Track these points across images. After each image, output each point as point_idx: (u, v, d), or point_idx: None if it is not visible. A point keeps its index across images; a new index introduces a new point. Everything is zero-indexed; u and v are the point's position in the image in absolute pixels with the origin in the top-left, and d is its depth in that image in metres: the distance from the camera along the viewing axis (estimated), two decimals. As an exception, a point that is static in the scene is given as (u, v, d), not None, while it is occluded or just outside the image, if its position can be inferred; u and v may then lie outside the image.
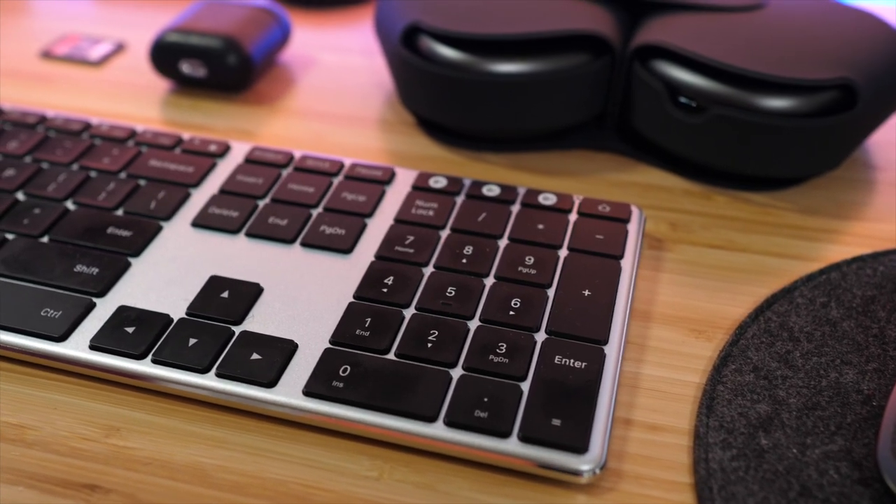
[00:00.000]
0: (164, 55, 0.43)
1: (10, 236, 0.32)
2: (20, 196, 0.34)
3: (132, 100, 0.44)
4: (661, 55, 0.37)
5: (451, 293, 0.30)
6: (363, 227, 0.33)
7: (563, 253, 0.31)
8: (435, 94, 0.38)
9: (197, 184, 0.35)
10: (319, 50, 0.49)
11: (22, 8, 0.54)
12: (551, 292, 0.30)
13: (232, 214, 0.33)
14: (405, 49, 0.38)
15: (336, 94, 0.44)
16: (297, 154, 0.37)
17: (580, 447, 0.24)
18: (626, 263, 0.31)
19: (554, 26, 0.37)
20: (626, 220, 0.33)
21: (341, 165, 0.36)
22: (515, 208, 0.34)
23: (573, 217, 0.33)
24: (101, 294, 0.30)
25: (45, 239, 0.32)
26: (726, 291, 0.32)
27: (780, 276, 0.32)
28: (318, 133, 0.41)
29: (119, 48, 0.48)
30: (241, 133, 0.41)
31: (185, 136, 0.38)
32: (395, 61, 0.39)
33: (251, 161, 0.36)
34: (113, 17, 0.52)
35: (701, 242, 0.34)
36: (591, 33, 0.36)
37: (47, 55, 0.47)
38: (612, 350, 0.28)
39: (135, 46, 0.49)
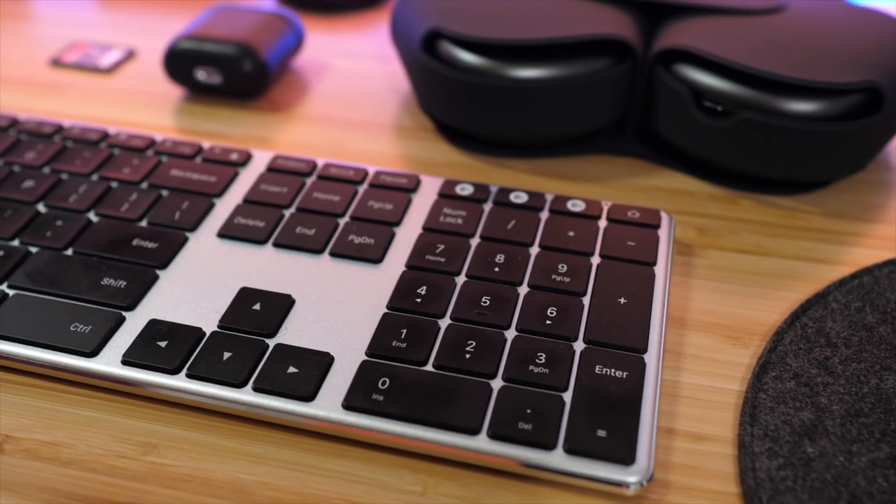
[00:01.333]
0: (179, 62, 0.42)
1: (33, 249, 0.31)
2: (41, 208, 0.34)
3: (145, 108, 0.43)
4: (685, 59, 0.36)
5: (485, 302, 0.29)
6: (392, 236, 0.32)
7: (596, 260, 0.31)
8: (456, 99, 0.38)
9: (220, 193, 0.34)
10: (332, 55, 0.48)
11: (23, 14, 0.53)
12: (586, 300, 0.29)
13: (258, 224, 0.33)
14: (425, 55, 0.38)
15: (351, 99, 0.44)
16: (320, 162, 0.36)
17: (627, 459, 0.24)
18: (660, 270, 0.31)
19: (575, 31, 0.36)
20: (657, 226, 0.33)
21: (365, 173, 0.36)
22: (544, 215, 0.33)
23: (603, 223, 0.33)
24: (131, 307, 0.29)
25: (69, 251, 0.31)
26: (759, 297, 0.31)
27: (811, 280, 0.32)
28: (337, 140, 0.41)
29: (129, 55, 0.48)
30: (259, 140, 0.41)
31: (206, 144, 0.37)
32: (414, 67, 0.39)
33: (273, 170, 0.36)
34: (118, 24, 0.52)
35: (729, 247, 0.34)
36: (614, 38, 0.36)
37: (56, 63, 0.47)
38: (651, 359, 0.27)
39: (145, 53, 0.48)
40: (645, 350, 0.28)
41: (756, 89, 0.35)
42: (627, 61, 0.37)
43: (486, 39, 0.36)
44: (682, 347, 0.29)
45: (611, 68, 0.37)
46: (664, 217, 0.33)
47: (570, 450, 0.24)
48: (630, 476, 0.24)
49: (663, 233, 0.32)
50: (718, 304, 0.31)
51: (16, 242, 0.32)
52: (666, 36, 0.38)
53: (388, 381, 0.26)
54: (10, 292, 0.30)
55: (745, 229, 0.35)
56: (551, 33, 0.36)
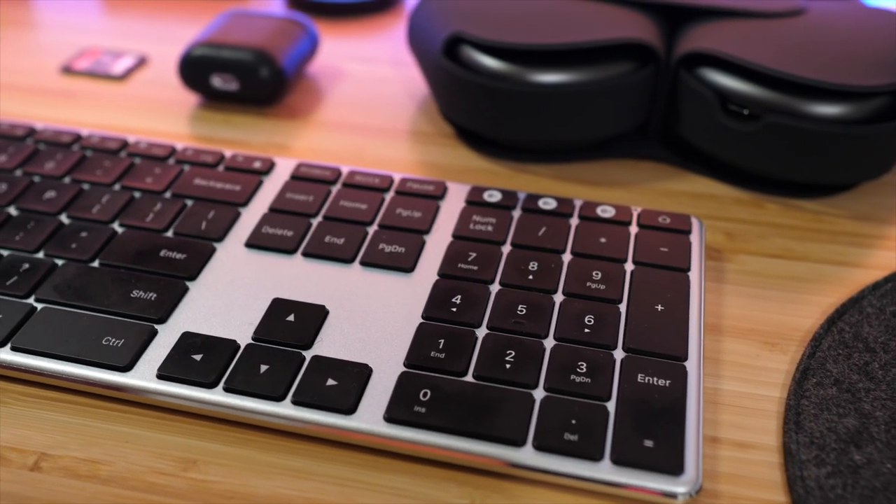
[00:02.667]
0: (195, 69, 0.42)
1: (59, 261, 0.31)
2: (64, 219, 0.33)
3: (161, 115, 0.43)
4: (709, 62, 0.36)
5: (521, 311, 0.29)
6: (422, 245, 0.32)
7: (630, 267, 0.31)
8: (478, 105, 0.37)
9: (245, 203, 0.34)
10: (346, 60, 0.48)
11: (26, 21, 0.52)
12: (623, 308, 0.29)
13: (286, 234, 0.32)
14: (447, 60, 0.38)
15: (368, 105, 0.44)
16: (345, 170, 0.36)
17: (675, 469, 0.24)
18: (694, 276, 0.31)
19: (598, 35, 0.36)
20: (688, 232, 0.33)
21: (391, 180, 0.35)
22: (574, 222, 0.33)
23: (634, 229, 0.33)
24: (162, 320, 0.29)
25: (95, 263, 0.31)
26: (793, 302, 0.31)
27: (843, 284, 0.32)
28: (357, 146, 0.40)
29: (141, 61, 0.47)
30: (279, 148, 0.40)
31: (227, 153, 0.37)
32: (435, 72, 0.39)
33: (298, 178, 0.36)
34: (125, 30, 0.51)
35: (760, 252, 0.34)
36: (637, 42, 0.36)
37: (68, 70, 0.46)
38: (692, 366, 0.27)
39: (156, 59, 0.48)
40: (686, 358, 0.27)
41: (783, 93, 0.34)
42: (651, 65, 0.37)
43: (510, 44, 0.36)
44: (719, 354, 0.29)
45: (634, 72, 0.36)
46: (694, 222, 0.33)
47: (618, 460, 0.24)
48: (680, 486, 0.24)
49: (695, 238, 0.32)
50: (753, 310, 0.31)
51: (41, 255, 0.31)
52: (688, 39, 0.37)
53: (429, 392, 0.26)
54: (38, 306, 0.29)
55: (773, 233, 0.35)
56: (574, 38, 0.36)
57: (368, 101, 0.44)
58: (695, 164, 0.39)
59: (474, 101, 0.37)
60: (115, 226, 0.33)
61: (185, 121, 0.42)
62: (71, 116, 0.42)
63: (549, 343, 0.28)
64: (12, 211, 0.33)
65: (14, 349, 0.28)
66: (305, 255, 0.32)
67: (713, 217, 0.36)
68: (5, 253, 0.31)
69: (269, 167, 0.36)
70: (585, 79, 0.36)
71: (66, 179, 0.35)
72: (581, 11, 0.39)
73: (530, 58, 0.37)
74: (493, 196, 0.34)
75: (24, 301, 0.29)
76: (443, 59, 0.38)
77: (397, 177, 0.35)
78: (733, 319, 0.31)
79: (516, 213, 0.34)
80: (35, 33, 0.51)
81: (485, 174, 0.38)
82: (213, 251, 0.32)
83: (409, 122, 0.42)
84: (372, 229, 0.33)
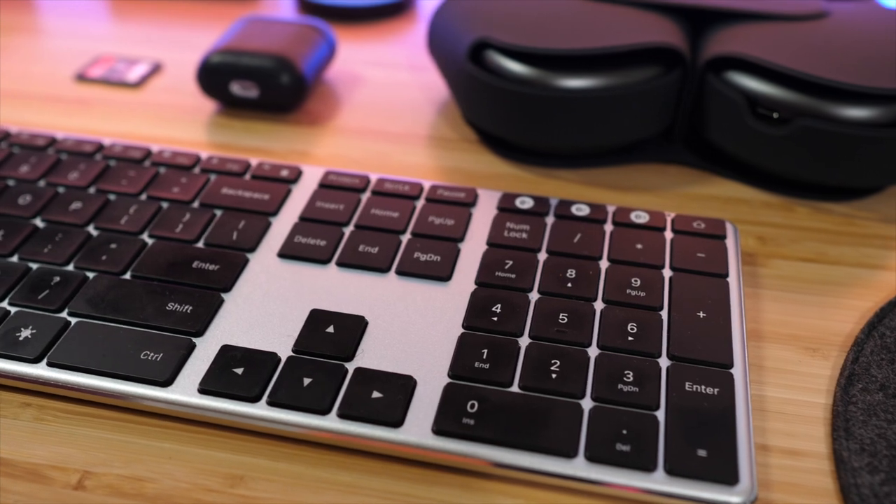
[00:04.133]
0: (214, 76, 0.41)
1: (90, 274, 0.30)
2: (92, 230, 0.33)
3: (179, 122, 0.42)
4: (736, 66, 0.36)
5: (563, 320, 0.29)
6: (458, 253, 0.32)
7: (668, 273, 0.31)
8: (505, 110, 0.37)
9: (275, 212, 0.34)
10: (363, 65, 0.48)
11: (32, 28, 0.52)
12: (664, 315, 0.29)
13: (319, 243, 0.32)
14: (473, 65, 0.37)
15: (388, 111, 0.43)
16: (373, 177, 0.36)
17: (730, 479, 0.24)
18: (733, 281, 0.30)
19: (624, 39, 0.36)
20: (723, 237, 0.32)
21: (421, 188, 0.35)
22: (609, 228, 0.33)
23: (669, 235, 0.33)
24: (200, 333, 0.28)
25: (127, 276, 0.31)
26: (830, 307, 0.31)
27: (879, 288, 0.32)
28: (381, 153, 0.40)
29: (156, 68, 0.47)
30: (301, 155, 0.40)
31: (253, 161, 0.36)
32: (460, 77, 0.38)
33: (326, 186, 0.35)
34: (135, 36, 0.51)
35: (793, 256, 0.34)
36: (665, 46, 0.36)
37: (82, 78, 0.46)
38: (738, 373, 0.27)
39: (171, 66, 0.47)
40: (732, 365, 0.27)
41: (813, 96, 0.34)
42: (677, 69, 0.37)
43: (537, 49, 0.36)
44: (762, 360, 0.29)
45: (661, 77, 0.36)
46: (729, 227, 0.33)
47: (672, 471, 0.24)
48: (735, 497, 0.23)
49: (730, 243, 0.32)
50: (792, 315, 0.31)
51: (70, 267, 0.31)
52: (714, 43, 0.37)
53: (476, 404, 0.26)
54: (72, 320, 0.29)
55: (805, 237, 0.35)
56: (600, 42, 0.36)
57: (388, 106, 0.44)
58: (721, 168, 0.38)
59: (500, 106, 0.37)
60: (145, 237, 0.32)
61: (204, 128, 0.42)
62: (87, 125, 0.42)
63: (593, 352, 0.28)
64: (38, 223, 0.33)
65: (50, 365, 0.27)
66: (340, 264, 0.31)
67: (744, 221, 0.36)
68: (35, 266, 0.31)
69: (296, 175, 0.36)
70: (613, 83, 0.36)
71: (92, 190, 0.35)
72: (604, 15, 0.39)
73: (557, 62, 0.36)
74: (526, 203, 0.34)
75: (58, 315, 0.29)
76: (468, 64, 0.37)
77: (427, 184, 0.35)
78: (773, 325, 0.30)
79: (550, 220, 0.33)
80: (44, 40, 0.50)
81: (511, 180, 0.38)
82: (246, 262, 0.31)
83: (430, 128, 0.42)
84: (405, 238, 0.32)
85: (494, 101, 0.37)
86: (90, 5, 0.55)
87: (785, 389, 0.28)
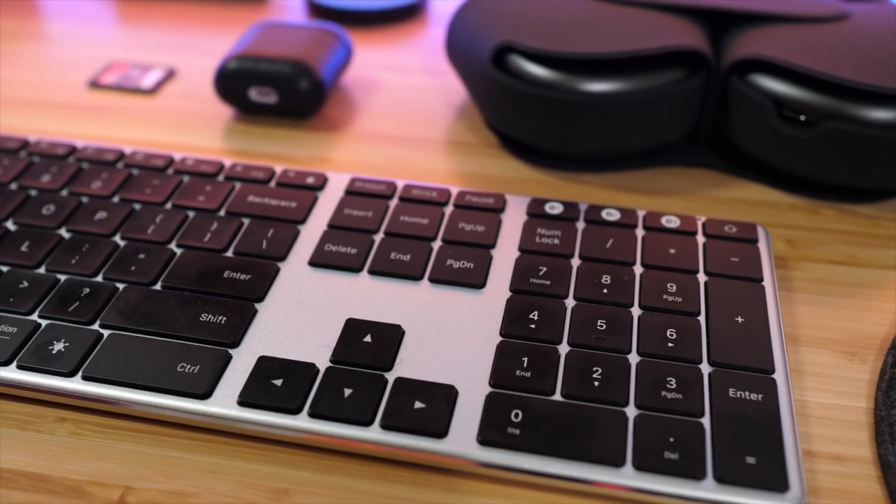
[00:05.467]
0: (231, 82, 0.41)
1: (120, 285, 0.30)
2: (119, 240, 0.32)
3: (196, 129, 0.42)
4: (761, 68, 0.36)
5: (601, 326, 0.28)
6: (490, 260, 0.31)
7: (702, 278, 0.31)
8: (529, 114, 0.37)
9: (303, 220, 0.33)
10: (378, 70, 0.47)
11: (40, 35, 0.51)
12: (702, 320, 0.29)
13: (350, 251, 0.32)
14: (496, 69, 0.37)
15: (406, 115, 0.43)
16: (400, 183, 0.35)
17: (780, 486, 0.24)
18: (768, 285, 0.30)
19: (647, 43, 0.36)
20: (755, 241, 0.32)
21: (449, 194, 0.35)
22: (640, 232, 0.33)
23: (701, 239, 0.32)
24: (235, 344, 0.28)
25: (157, 286, 0.30)
26: (864, 309, 0.31)
27: (911, 290, 0.32)
28: (403, 158, 0.40)
29: (170, 74, 0.46)
30: (322, 161, 0.39)
31: (278, 168, 0.36)
32: (482, 82, 0.38)
33: (353, 193, 0.35)
34: (144, 42, 0.50)
35: (824, 259, 0.34)
36: (691, 49, 0.36)
37: (95, 85, 0.45)
38: (780, 379, 0.27)
39: (185, 72, 0.47)
40: (773, 370, 0.27)
41: (840, 98, 0.34)
42: (702, 72, 0.36)
43: (561, 53, 0.36)
44: (800, 365, 0.29)
45: (686, 80, 0.36)
46: (760, 231, 0.33)
47: (721, 479, 0.24)
48: (786, 504, 0.23)
49: (762, 247, 0.32)
50: (826, 318, 0.31)
51: (99, 278, 0.30)
52: (736, 45, 0.37)
53: (520, 413, 0.26)
54: (105, 332, 0.28)
55: (833, 240, 0.35)
56: (623, 46, 0.36)
57: (406, 111, 0.44)
58: (746, 171, 0.38)
59: (524, 110, 0.37)
60: (173, 246, 0.32)
61: (222, 135, 0.41)
62: (104, 132, 0.41)
63: (633, 358, 0.27)
64: (63, 233, 0.32)
65: (85, 378, 0.27)
66: (372, 272, 0.31)
67: (772, 224, 0.35)
68: (63, 277, 0.30)
69: (322, 182, 0.35)
70: (639, 87, 0.36)
71: (116, 199, 0.34)
72: (626, 17, 0.38)
73: (581, 66, 0.36)
74: (555, 208, 0.34)
75: (90, 328, 0.28)
76: (491, 68, 0.37)
77: (454, 190, 0.35)
78: (808, 329, 0.30)
79: (580, 225, 0.33)
80: (52, 47, 0.50)
81: (535, 184, 0.38)
82: (277, 271, 0.31)
83: (450, 132, 0.42)
84: (436, 245, 0.32)
85: (518, 105, 0.37)
86: (96, 10, 0.55)
87: (825, 394, 0.28)
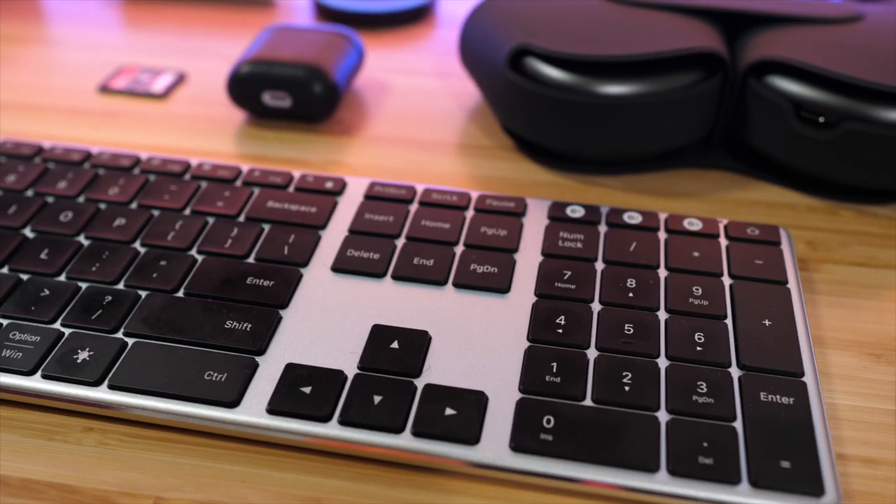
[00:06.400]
0: (245, 86, 0.41)
1: (142, 293, 0.30)
2: (139, 247, 0.32)
3: (209, 133, 0.41)
4: (778, 70, 0.36)
5: (629, 330, 0.28)
6: (514, 264, 0.31)
7: (727, 281, 0.31)
8: (546, 117, 0.37)
9: (324, 225, 0.33)
10: (388, 73, 0.47)
11: (45, 39, 0.51)
12: (729, 323, 0.29)
13: (373, 257, 0.31)
14: (513, 72, 0.37)
15: (419, 118, 0.43)
16: (419, 188, 0.35)
17: (816, 490, 0.24)
18: (793, 288, 0.30)
19: (664, 45, 0.36)
20: (778, 243, 0.32)
21: (469, 198, 0.34)
22: (662, 235, 0.33)
23: (723, 242, 0.32)
24: (261, 351, 0.28)
25: (180, 293, 0.30)
26: (888, 311, 0.31)
27: (933, 291, 0.32)
28: (418, 162, 0.39)
29: (180, 78, 0.46)
30: (337, 165, 0.39)
31: (296, 173, 0.36)
32: (498, 85, 0.38)
33: (372, 197, 0.35)
34: (150, 46, 0.50)
35: (844, 261, 0.34)
36: (709, 51, 0.36)
37: (105, 90, 0.45)
38: (810, 382, 0.27)
39: (195, 76, 0.47)
40: (803, 373, 0.27)
41: (859, 100, 0.34)
42: (719, 74, 0.36)
43: (579, 56, 0.36)
44: (827, 368, 0.29)
45: (703, 82, 0.36)
46: (782, 233, 0.33)
47: (757, 483, 0.24)
48: (823, 508, 0.23)
49: (785, 249, 0.32)
50: (851, 321, 0.31)
51: (121, 286, 0.30)
52: (752, 47, 0.37)
53: (552, 419, 0.25)
54: (129, 340, 0.28)
55: (853, 241, 0.35)
56: (640, 48, 0.36)
57: (418, 114, 0.43)
58: (762, 172, 0.38)
59: (541, 113, 0.37)
60: (194, 253, 0.32)
61: (235, 139, 0.41)
62: (117, 137, 0.41)
63: (662, 363, 0.27)
64: (82, 240, 0.32)
65: (112, 387, 0.26)
66: (396, 278, 0.31)
67: (791, 226, 0.35)
68: (84, 285, 0.30)
69: (341, 187, 0.35)
70: (656, 89, 0.36)
71: (134, 205, 0.34)
72: (641, 19, 0.38)
73: (599, 69, 0.36)
74: (577, 211, 0.34)
75: (114, 336, 0.28)
76: (508, 71, 0.37)
77: (474, 194, 0.35)
78: (833, 331, 0.30)
79: (602, 229, 0.33)
80: (59, 51, 0.49)
81: (552, 187, 0.38)
82: (300, 277, 0.31)
83: (464, 136, 0.42)
84: (459, 249, 0.32)
85: (536, 108, 0.37)
86: (101, 14, 0.54)
87: (854, 397, 0.28)
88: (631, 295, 0.30)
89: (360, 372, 0.27)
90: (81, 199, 0.34)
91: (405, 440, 0.25)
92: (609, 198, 0.37)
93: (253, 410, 0.26)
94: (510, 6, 0.41)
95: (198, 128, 0.42)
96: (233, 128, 0.42)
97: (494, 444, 0.25)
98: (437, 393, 0.26)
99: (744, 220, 0.36)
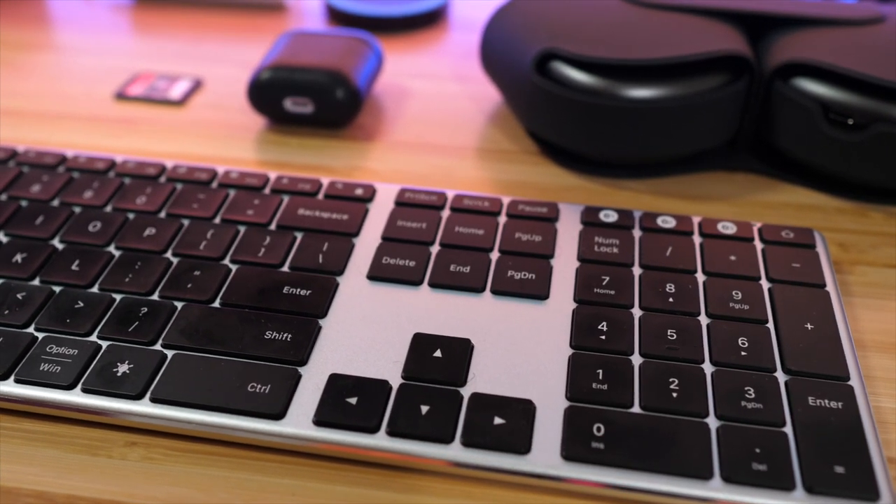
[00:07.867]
0: (266, 92, 0.40)
1: (178, 304, 0.29)
2: (171, 257, 0.31)
3: (230, 140, 0.41)
4: (805, 72, 0.36)
5: (672, 336, 0.28)
6: (551, 270, 0.31)
7: (766, 284, 0.30)
8: (573, 121, 0.37)
9: (357, 232, 0.33)
10: (407, 77, 0.47)
11: (55, 46, 0.50)
12: (771, 327, 0.29)
13: (409, 264, 0.31)
14: (540, 76, 0.37)
15: (441, 123, 0.43)
16: (450, 194, 0.35)
17: (871, 495, 0.23)
18: (832, 291, 0.30)
19: (689, 48, 0.36)
20: (813, 246, 0.32)
21: (501, 203, 0.34)
22: (697, 240, 0.33)
23: (759, 245, 0.32)
24: (303, 362, 0.27)
25: (216, 304, 0.30)
26: (925, 313, 0.31)
27: (968, 292, 0.32)
28: (444, 167, 0.39)
29: (197, 85, 0.46)
30: (363, 171, 0.39)
31: (324, 180, 0.36)
32: (523, 89, 0.38)
33: (403, 204, 0.34)
34: (162, 52, 0.50)
35: (878, 262, 0.34)
36: (736, 54, 0.36)
37: (122, 97, 0.44)
38: (857, 385, 0.27)
39: (212, 82, 0.46)
40: (849, 377, 0.27)
41: (889, 101, 0.34)
42: (745, 76, 0.36)
43: (606, 59, 0.35)
44: (869, 371, 0.29)
45: (730, 84, 0.36)
46: (817, 236, 0.33)
47: (812, 489, 0.24)
48: (879, 513, 0.23)
49: (821, 252, 0.32)
50: (888, 323, 0.31)
51: (156, 297, 0.30)
52: (777, 50, 0.37)
53: (602, 427, 0.25)
54: (168, 353, 0.28)
55: (884, 243, 0.35)
56: (666, 51, 0.36)
57: (440, 119, 0.43)
58: (789, 174, 0.38)
59: (568, 117, 0.37)
60: (227, 262, 0.31)
61: (256, 146, 0.41)
62: (135, 145, 0.41)
63: (708, 368, 0.27)
64: (113, 251, 0.32)
65: (154, 401, 0.26)
66: (433, 285, 0.31)
67: (822, 228, 0.35)
68: (118, 296, 0.30)
69: (371, 194, 0.35)
70: (683, 93, 0.36)
71: (162, 214, 0.34)
72: (665, 22, 0.38)
73: (625, 73, 0.36)
74: (610, 216, 0.34)
75: (152, 348, 0.28)
76: (535, 75, 0.37)
77: (506, 199, 0.35)
78: (872, 333, 0.30)
79: (637, 233, 0.33)
80: (72, 58, 0.49)
81: (580, 192, 0.38)
82: (336, 286, 0.30)
83: (488, 140, 0.41)
84: (494, 256, 0.32)
85: (563, 112, 0.37)
86: (110, 20, 0.54)
87: (898, 400, 0.28)
88: (671, 300, 0.30)
89: (404, 381, 0.27)
90: (109, 208, 0.34)
91: (455, 450, 0.25)
92: (637, 202, 0.37)
93: (299, 422, 0.25)
94: (532, 10, 0.41)
95: (218, 134, 0.42)
96: (252, 134, 0.42)
97: (546, 453, 0.25)
98: (484, 402, 0.26)
99: (774, 222, 0.36)
